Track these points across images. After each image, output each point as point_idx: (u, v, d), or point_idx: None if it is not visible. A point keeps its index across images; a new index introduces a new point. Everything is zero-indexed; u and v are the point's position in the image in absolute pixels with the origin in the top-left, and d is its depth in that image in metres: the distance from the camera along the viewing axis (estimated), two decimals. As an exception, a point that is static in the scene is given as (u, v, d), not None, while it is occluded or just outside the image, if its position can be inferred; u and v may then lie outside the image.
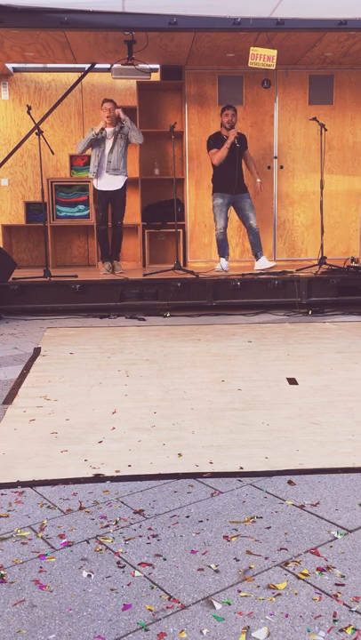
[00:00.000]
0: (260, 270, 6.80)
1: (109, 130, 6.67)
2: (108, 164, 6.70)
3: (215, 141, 6.93)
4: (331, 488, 2.44)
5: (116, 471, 2.62)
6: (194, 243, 7.85)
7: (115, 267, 6.95)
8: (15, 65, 7.86)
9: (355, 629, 1.62)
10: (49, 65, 7.85)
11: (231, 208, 7.02)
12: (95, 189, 6.84)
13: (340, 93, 7.74)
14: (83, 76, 7.49)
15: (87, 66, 7.41)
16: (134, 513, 2.27)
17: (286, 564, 1.93)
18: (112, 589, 1.81)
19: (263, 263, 6.93)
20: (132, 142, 6.82)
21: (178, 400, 3.53)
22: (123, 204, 6.93)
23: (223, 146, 6.79)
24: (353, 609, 1.70)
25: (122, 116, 6.65)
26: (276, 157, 7.76)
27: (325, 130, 6.95)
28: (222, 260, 6.98)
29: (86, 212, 8.00)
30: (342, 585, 1.81)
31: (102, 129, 6.64)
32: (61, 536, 2.11)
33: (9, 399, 3.59)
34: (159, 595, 1.78)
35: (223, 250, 7.02)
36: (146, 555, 1.99)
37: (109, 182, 6.75)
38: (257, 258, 7.01)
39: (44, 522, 2.21)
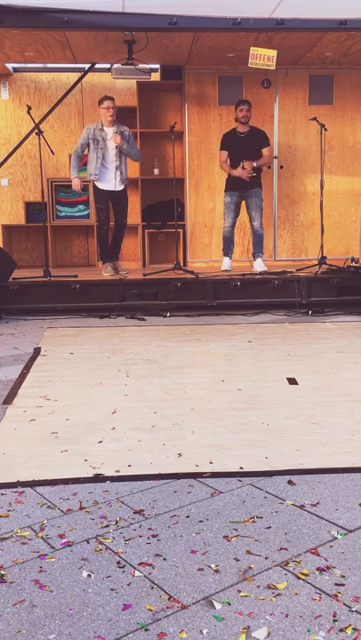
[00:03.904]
0: (256, 272, 6.81)
1: (109, 130, 6.60)
2: (112, 164, 6.63)
3: (226, 141, 6.85)
4: (331, 488, 2.44)
5: (116, 471, 2.62)
6: (194, 243, 7.85)
7: (118, 267, 6.95)
8: (15, 65, 7.86)
9: (355, 629, 1.62)
10: (49, 65, 7.85)
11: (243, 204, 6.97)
12: (98, 189, 6.69)
13: (340, 93, 7.74)
14: (83, 76, 7.50)
15: (87, 66, 7.41)
16: (134, 513, 2.27)
17: (286, 563, 1.93)
18: (112, 589, 1.81)
19: (258, 265, 6.92)
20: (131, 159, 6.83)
21: (178, 400, 3.53)
22: (127, 203, 6.93)
23: (233, 169, 6.74)
24: (353, 609, 1.70)
25: (119, 142, 6.53)
26: (276, 157, 7.76)
27: (325, 130, 6.94)
28: (225, 258, 6.97)
29: (86, 212, 8.00)
30: (342, 585, 1.81)
31: (102, 130, 6.59)
32: (61, 536, 2.11)
33: (9, 399, 3.59)
34: (159, 595, 1.78)
35: (227, 248, 7.00)
36: (146, 555, 1.99)
37: (112, 182, 6.67)
38: (254, 258, 7.00)
39: (44, 522, 2.21)
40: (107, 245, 6.90)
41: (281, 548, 2.01)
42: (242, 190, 6.84)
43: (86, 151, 6.72)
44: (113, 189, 6.69)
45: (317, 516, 2.22)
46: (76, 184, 6.63)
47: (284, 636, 1.60)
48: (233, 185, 6.86)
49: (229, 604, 1.73)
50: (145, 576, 1.87)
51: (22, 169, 8.14)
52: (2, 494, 2.43)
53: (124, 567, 1.92)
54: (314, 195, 7.69)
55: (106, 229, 6.80)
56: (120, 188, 6.72)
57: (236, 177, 6.77)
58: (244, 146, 6.78)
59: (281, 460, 2.71)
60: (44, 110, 7.65)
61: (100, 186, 6.67)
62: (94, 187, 6.77)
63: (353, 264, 6.65)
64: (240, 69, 7.46)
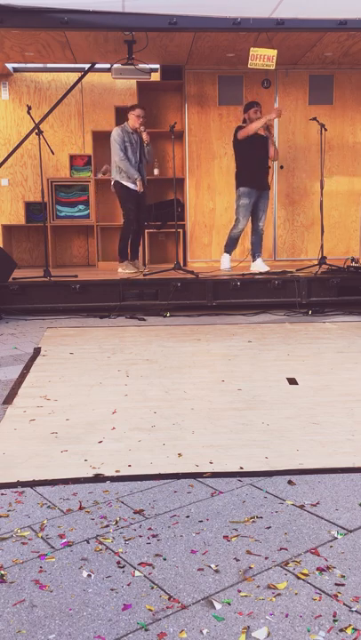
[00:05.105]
0: (256, 272, 6.79)
1: (137, 136, 6.83)
2: (141, 167, 6.89)
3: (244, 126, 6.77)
4: (331, 488, 2.44)
5: (116, 471, 2.62)
6: (194, 243, 7.86)
7: (139, 265, 7.13)
8: (15, 65, 7.86)
9: (355, 629, 1.62)
10: (49, 65, 7.86)
11: None
12: (129, 189, 6.80)
13: (341, 93, 7.75)
14: (83, 76, 7.50)
15: (87, 66, 7.41)
16: (134, 513, 2.27)
17: (286, 563, 1.93)
18: (112, 589, 1.81)
19: (260, 265, 6.91)
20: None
21: (178, 400, 3.53)
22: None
23: (260, 118, 6.67)
24: (353, 609, 1.70)
25: (146, 138, 6.81)
26: (275, 157, 7.76)
27: (325, 130, 6.94)
28: (226, 255, 6.97)
29: (86, 212, 8.00)
30: (342, 585, 1.81)
31: (133, 133, 6.79)
32: (61, 536, 2.11)
33: (9, 399, 3.59)
34: (159, 595, 1.78)
35: (232, 247, 7.01)
36: (146, 555, 1.99)
37: (141, 184, 6.89)
38: (254, 259, 6.99)
39: (44, 522, 2.21)
40: (128, 244, 7.00)
41: (281, 548, 2.01)
42: (261, 190, 6.80)
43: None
44: (141, 190, 6.88)
45: (317, 516, 2.22)
46: (141, 184, 6.80)
47: (284, 636, 1.60)
48: (253, 180, 6.75)
49: (229, 603, 1.73)
50: (145, 576, 1.87)
51: (22, 169, 8.14)
52: (2, 494, 2.43)
53: (124, 567, 1.92)
54: (314, 195, 7.69)
55: (134, 229, 6.94)
56: (143, 189, 6.93)
57: (257, 170, 6.73)
58: (262, 141, 6.81)
59: (281, 460, 2.71)
60: (44, 110, 7.66)
61: (132, 187, 6.81)
62: (124, 187, 6.80)
63: (353, 264, 6.65)
64: (240, 69, 7.46)
